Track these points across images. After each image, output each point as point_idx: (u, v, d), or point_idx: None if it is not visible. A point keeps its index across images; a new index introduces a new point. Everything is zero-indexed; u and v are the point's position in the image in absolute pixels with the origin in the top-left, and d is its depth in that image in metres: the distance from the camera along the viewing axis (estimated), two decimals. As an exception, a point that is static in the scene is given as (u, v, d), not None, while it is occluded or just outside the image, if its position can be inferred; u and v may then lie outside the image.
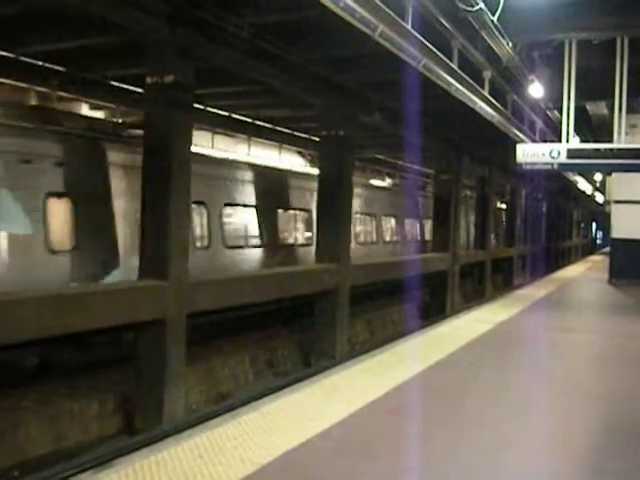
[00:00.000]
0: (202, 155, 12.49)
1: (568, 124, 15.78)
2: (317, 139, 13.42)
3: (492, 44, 12.73)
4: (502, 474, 4.44)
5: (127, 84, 12.34)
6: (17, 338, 6.26)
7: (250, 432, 4.93)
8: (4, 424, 6.90)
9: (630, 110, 16.06)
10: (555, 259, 35.62)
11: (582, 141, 21.08)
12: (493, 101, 13.42)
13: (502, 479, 4.38)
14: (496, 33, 12.28)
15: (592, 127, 23.82)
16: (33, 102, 12.83)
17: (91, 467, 5.90)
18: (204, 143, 15.79)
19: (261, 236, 13.58)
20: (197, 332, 8.98)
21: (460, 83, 11.02)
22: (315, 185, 12.79)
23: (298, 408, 5.61)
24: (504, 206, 30.26)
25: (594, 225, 68.47)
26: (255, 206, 13.45)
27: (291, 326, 12.71)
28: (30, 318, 6.21)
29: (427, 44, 9.36)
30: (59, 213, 8.97)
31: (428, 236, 21.52)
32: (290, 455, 4.51)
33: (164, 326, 7.68)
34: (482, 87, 12.90)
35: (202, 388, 9.46)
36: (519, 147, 15.24)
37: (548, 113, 20.54)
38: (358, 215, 17.53)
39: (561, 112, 16.25)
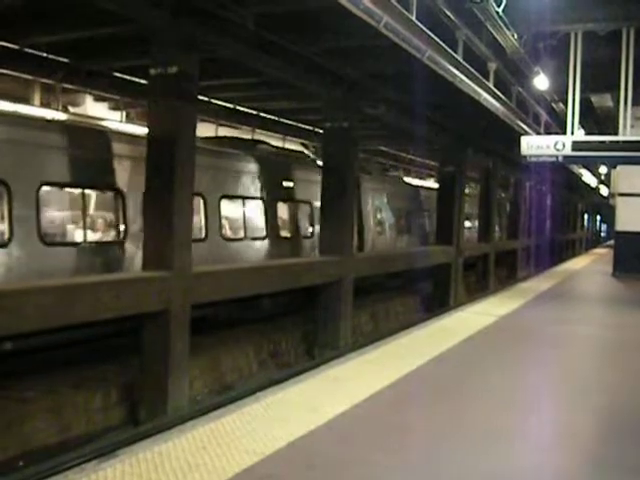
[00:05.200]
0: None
1: (573, 116, 15.72)
2: (321, 131, 13.40)
3: (497, 36, 12.68)
4: (500, 468, 4.45)
5: (131, 75, 12.33)
6: (21, 328, 6.28)
7: (254, 423, 4.94)
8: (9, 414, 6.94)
9: (635, 102, 15.95)
10: (559, 252, 35.56)
11: (587, 133, 20.99)
12: (498, 93, 13.38)
13: (500, 473, 4.38)
14: (501, 24, 12.24)
15: (597, 119, 23.72)
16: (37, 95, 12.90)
17: (95, 457, 5.92)
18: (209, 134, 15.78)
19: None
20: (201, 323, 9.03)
21: (465, 75, 10.98)
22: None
23: (301, 399, 5.62)
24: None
25: (598, 218, 68.33)
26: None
27: (295, 317, 12.74)
28: (35, 308, 6.23)
29: (432, 36, 9.33)
30: None
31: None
32: (293, 446, 4.52)
33: (168, 317, 7.70)
34: (487, 79, 12.85)
35: (206, 379, 9.49)
36: (523, 139, 15.18)
37: (553, 105, 20.46)
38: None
39: (566, 104, 16.18)
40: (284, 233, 13.46)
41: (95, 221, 9.57)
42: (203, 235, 10.84)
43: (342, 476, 4.14)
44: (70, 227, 9.20)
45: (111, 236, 9.46)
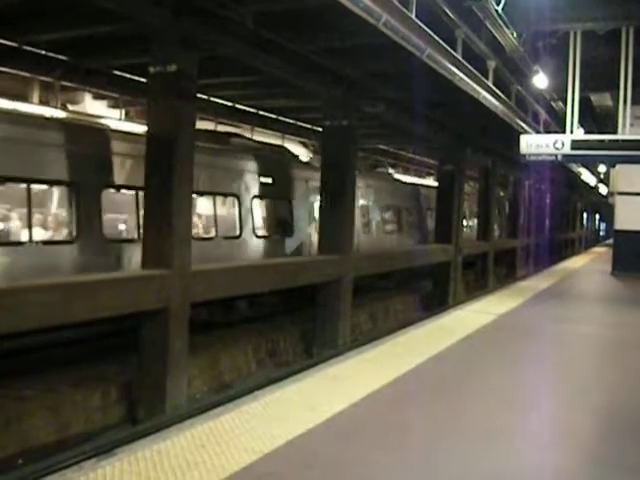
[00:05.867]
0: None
1: (572, 115, 15.72)
2: (320, 129, 13.40)
3: (496, 34, 12.69)
4: (499, 467, 4.45)
5: (130, 74, 12.33)
6: (21, 327, 6.27)
7: (252, 422, 4.95)
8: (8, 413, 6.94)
9: (635, 101, 15.95)
10: (558, 250, 35.58)
11: (586, 132, 20.99)
12: (497, 91, 13.38)
13: (499, 472, 4.38)
14: (500, 23, 12.24)
15: (596, 118, 23.73)
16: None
17: (94, 455, 5.92)
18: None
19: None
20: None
21: (464, 73, 10.97)
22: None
23: (300, 398, 5.62)
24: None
25: (597, 217, 68.39)
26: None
27: (293, 316, 12.73)
28: (34, 307, 6.22)
29: (431, 34, 9.32)
30: None
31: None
32: (292, 444, 4.52)
33: (167, 315, 7.69)
34: (486, 77, 12.85)
35: (205, 378, 9.49)
36: (523, 138, 15.18)
37: (552, 104, 20.47)
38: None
39: (565, 103, 16.19)
40: (260, 232, 12.60)
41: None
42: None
43: (341, 475, 4.15)
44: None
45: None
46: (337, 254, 11.65)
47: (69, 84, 13.19)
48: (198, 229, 11.13)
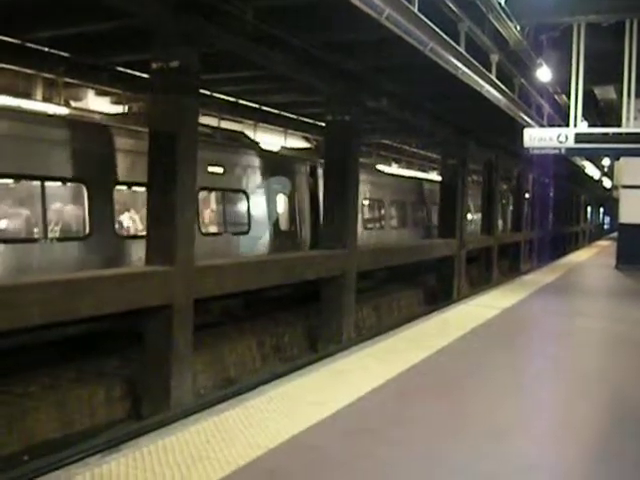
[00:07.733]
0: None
1: (576, 108, 15.67)
2: (323, 124, 13.37)
3: (499, 27, 12.65)
4: (503, 461, 4.44)
5: (133, 70, 12.31)
6: (24, 323, 6.27)
7: (257, 417, 4.94)
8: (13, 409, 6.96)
9: (639, 94, 15.91)
10: (562, 244, 35.53)
11: (590, 125, 20.92)
12: (500, 85, 13.33)
13: (503, 467, 4.38)
14: (504, 16, 12.21)
15: (600, 111, 23.65)
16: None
17: (99, 451, 5.93)
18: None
19: None
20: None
21: (467, 67, 10.94)
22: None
23: (305, 393, 5.62)
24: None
25: (602, 210, 68.28)
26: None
27: (298, 311, 12.73)
28: (38, 303, 6.23)
29: (434, 28, 9.29)
30: None
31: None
32: (296, 439, 4.52)
33: (171, 311, 7.70)
34: (489, 71, 12.81)
35: (210, 373, 9.50)
36: (526, 131, 15.15)
37: (556, 97, 20.41)
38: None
39: (569, 96, 16.13)
40: (207, 229, 11.24)
41: None
42: (87, 231, 8.77)
43: (346, 469, 4.14)
44: None
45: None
46: (341, 249, 11.64)
47: (72, 81, 13.19)
48: (127, 226, 9.82)
